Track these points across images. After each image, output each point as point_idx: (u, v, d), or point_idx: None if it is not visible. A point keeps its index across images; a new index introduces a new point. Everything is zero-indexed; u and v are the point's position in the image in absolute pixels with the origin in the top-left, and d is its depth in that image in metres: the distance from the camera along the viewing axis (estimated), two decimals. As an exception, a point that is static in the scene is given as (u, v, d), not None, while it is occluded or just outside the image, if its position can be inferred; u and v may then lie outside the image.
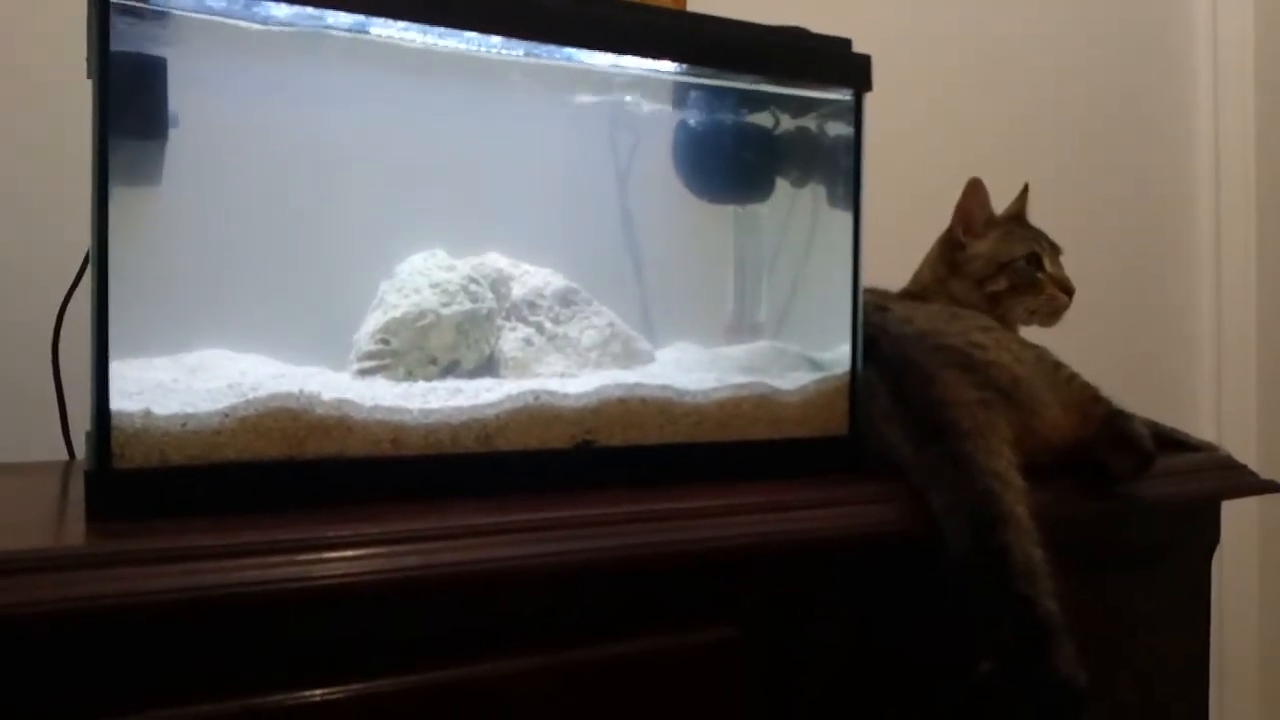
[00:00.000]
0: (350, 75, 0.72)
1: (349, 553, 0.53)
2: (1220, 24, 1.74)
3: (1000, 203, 1.04)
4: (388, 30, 0.68)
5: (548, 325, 0.77)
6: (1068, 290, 0.98)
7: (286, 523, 0.54)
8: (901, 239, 1.05)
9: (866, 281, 0.90)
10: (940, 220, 1.04)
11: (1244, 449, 1.68)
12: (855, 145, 0.79)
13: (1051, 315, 0.98)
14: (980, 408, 0.72)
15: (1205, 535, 0.90)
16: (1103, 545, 0.82)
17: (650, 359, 0.81)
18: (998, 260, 0.98)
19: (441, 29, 0.68)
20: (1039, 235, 1.01)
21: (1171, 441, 0.90)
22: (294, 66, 0.70)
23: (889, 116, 1.23)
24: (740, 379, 0.76)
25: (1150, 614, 0.86)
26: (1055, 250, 1.01)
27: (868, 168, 0.80)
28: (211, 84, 0.68)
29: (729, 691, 0.66)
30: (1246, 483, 0.89)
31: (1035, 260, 0.98)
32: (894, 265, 1.06)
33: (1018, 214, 1.04)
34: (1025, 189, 1.06)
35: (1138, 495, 0.79)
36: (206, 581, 0.50)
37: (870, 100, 0.79)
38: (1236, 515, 1.65)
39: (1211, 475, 0.87)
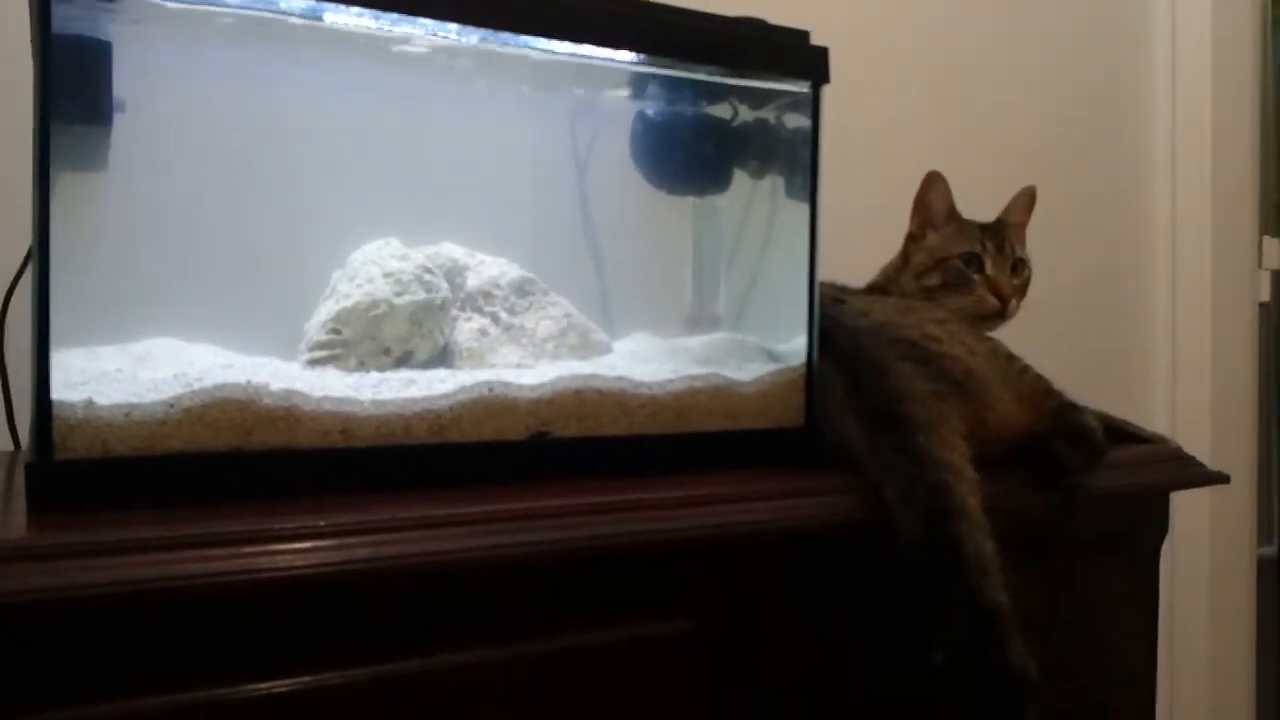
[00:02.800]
0: (304, 62, 0.71)
1: (295, 545, 0.52)
2: (1179, 23, 1.76)
3: (971, 198, 1.04)
4: (342, 16, 0.67)
5: (503, 316, 0.76)
6: (1001, 296, 0.97)
7: (232, 515, 0.54)
8: (869, 233, 1.06)
9: (826, 275, 0.91)
10: (906, 215, 1.05)
11: (1198, 441, 1.71)
12: (813, 138, 0.79)
13: (979, 318, 0.97)
14: (933, 400, 0.72)
15: (1155, 526, 0.92)
16: (1054, 536, 0.83)
17: (607, 350, 0.81)
18: (936, 255, 0.99)
19: (397, 16, 0.67)
20: (998, 238, 1.00)
21: (1122, 433, 0.91)
22: (246, 52, 0.69)
23: (852, 109, 1.24)
24: (697, 370, 0.76)
25: (1100, 604, 0.87)
26: (1005, 256, 1.00)
27: (831, 161, 0.80)
28: (161, 69, 0.67)
29: (685, 683, 0.66)
30: (1195, 474, 0.91)
31: (974, 260, 0.98)
32: (862, 259, 1.07)
33: (1001, 216, 1.04)
34: (1022, 193, 1.05)
35: (1088, 486, 0.80)
36: (147, 574, 0.49)
37: (832, 93, 0.79)
38: (1190, 507, 1.69)
39: (1161, 467, 0.89)
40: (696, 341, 0.84)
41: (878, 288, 1.04)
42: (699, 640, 0.66)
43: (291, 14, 0.66)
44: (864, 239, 1.05)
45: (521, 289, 0.78)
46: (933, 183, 1.02)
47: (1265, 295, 1.87)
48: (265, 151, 0.73)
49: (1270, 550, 1.90)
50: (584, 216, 0.83)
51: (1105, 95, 1.72)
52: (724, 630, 0.68)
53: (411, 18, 0.67)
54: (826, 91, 0.79)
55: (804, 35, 0.78)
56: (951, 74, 1.52)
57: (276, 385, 0.60)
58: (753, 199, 0.86)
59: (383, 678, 0.56)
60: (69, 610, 0.48)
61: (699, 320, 0.87)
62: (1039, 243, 1.12)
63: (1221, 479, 0.90)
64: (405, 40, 0.69)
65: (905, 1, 1.48)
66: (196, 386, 0.59)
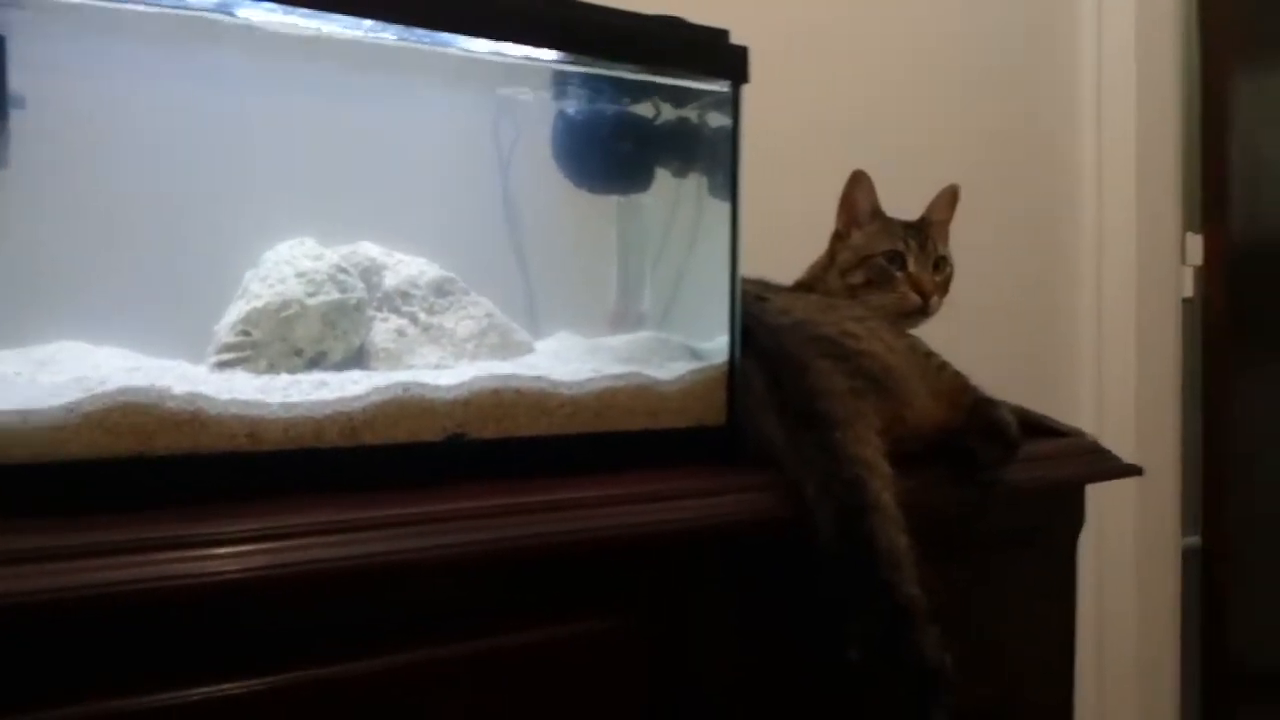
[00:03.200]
0: (218, 57, 0.69)
1: (193, 552, 0.51)
2: (1104, 21, 1.80)
3: (897, 197, 1.05)
4: (255, 13, 0.66)
5: (422, 316, 0.75)
6: (923, 292, 0.99)
7: (130, 522, 0.52)
8: (798, 231, 1.07)
9: (756, 273, 0.91)
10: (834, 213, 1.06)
11: (1123, 435, 1.75)
12: (733, 137, 0.79)
13: (901, 315, 0.98)
14: (851, 396, 0.73)
15: (1071, 519, 0.94)
16: (970, 530, 0.84)
17: (529, 350, 0.80)
18: (860, 253, 1.00)
19: (311, 11, 0.66)
20: (921, 235, 1.02)
21: (1039, 427, 0.92)
22: (157, 47, 0.67)
23: (779, 109, 1.24)
24: (618, 369, 0.76)
25: (1017, 596, 0.89)
26: (928, 254, 1.01)
27: (758, 160, 0.80)
28: (63, 64, 0.66)
29: (609, 682, 0.66)
30: (1110, 467, 0.92)
31: (897, 258, 0.99)
32: (791, 257, 1.07)
33: (924, 215, 1.05)
34: (945, 191, 1.07)
35: (1004, 480, 0.82)
36: (38, 585, 0.48)
37: (757, 92, 0.79)
38: (1116, 500, 1.72)
39: (1076, 460, 0.90)
40: (620, 340, 0.84)
41: (805, 285, 1.05)
42: (621, 639, 0.66)
43: (201, 9, 0.65)
44: (793, 237, 1.06)
45: (441, 289, 0.77)
46: (857, 182, 1.03)
47: (1189, 290, 1.92)
48: (176, 149, 0.71)
49: (1194, 540, 1.95)
50: (506, 216, 0.82)
51: (1031, 94, 1.75)
52: (647, 628, 0.68)
53: (327, 14, 0.66)
54: (753, 91, 0.79)
55: (723, 34, 0.78)
56: (877, 73, 1.53)
57: (181, 388, 0.59)
58: (676, 198, 0.86)
59: (292, 685, 0.55)
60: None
61: (623, 319, 0.87)
62: (966, 240, 1.13)
63: (1135, 471, 0.92)
64: (321, 37, 0.68)
65: (835, 3, 1.49)
66: (97, 390, 0.57)
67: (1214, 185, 1.97)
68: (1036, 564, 0.90)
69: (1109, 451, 0.93)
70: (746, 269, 0.82)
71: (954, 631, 0.66)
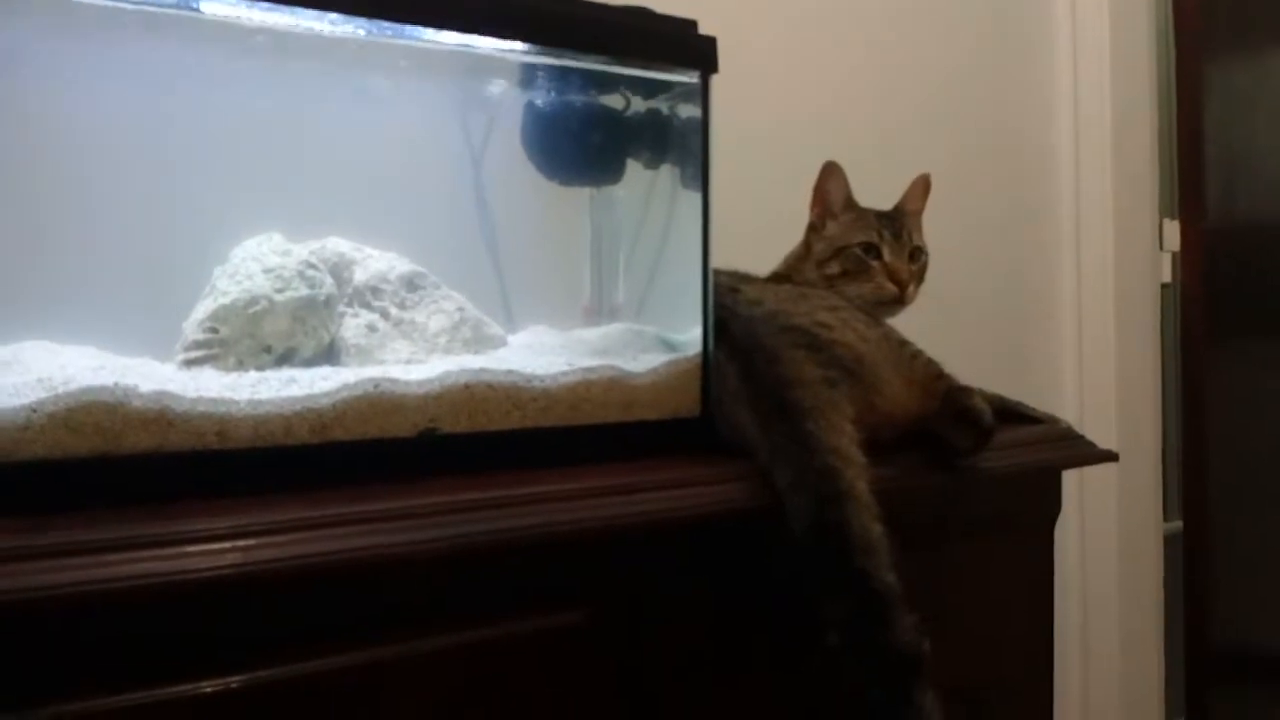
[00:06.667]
0: (184, 53, 0.69)
1: (161, 551, 0.51)
2: (1079, 11, 1.80)
3: (871, 188, 1.06)
4: (220, 7, 0.65)
5: (393, 311, 0.75)
6: (899, 282, 0.99)
7: (98, 521, 0.52)
8: (772, 221, 1.07)
9: (732, 264, 0.91)
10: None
11: (1103, 421, 1.76)
12: (703, 127, 0.79)
13: (879, 304, 0.98)
14: (824, 386, 0.73)
15: (1047, 505, 0.94)
16: (946, 517, 0.84)
17: (502, 343, 0.80)
18: (836, 245, 1.00)
19: (276, 5, 0.65)
20: (895, 225, 1.02)
21: (1014, 414, 0.93)
22: (121, 43, 0.67)
23: (751, 99, 1.24)
24: (591, 362, 0.75)
25: (994, 583, 0.89)
26: (903, 244, 1.02)
27: (732, 151, 0.80)
28: (24, 58, 0.65)
29: (582, 675, 0.66)
30: (1085, 453, 0.93)
31: (872, 249, 0.99)
32: (766, 247, 1.07)
33: (898, 205, 1.06)
34: (917, 181, 1.07)
35: (979, 468, 0.82)
36: (4, 586, 0.47)
37: (729, 83, 0.79)
38: (1098, 485, 1.73)
39: (1051, 447, 0.91)
40: (594, 333, 0.84)
41: (781, 276, 1.05)
42: (597, 631, 0.66)
43: (167, 5, 0.64)
44: (768, 228, 1.06)
45: (412, 283, 0.77)
46: (830, 173, 1.03)
47: (1166, 276, 1.93)
48: (142, 146, 0.71)
49: (1175, 526, 1.96)
50: (478, 209, 0.82)
51: (1006, 82, 1.76)
52: (623, 620, 0.68)
53: (292, 8, 0.66)
54: (723, 82, 0.79)
55: (691, 24, 0.78)
56: (849, 63, 1.53)
57: (147, 387, 0.58)
58: (649, 190, 0.86)
59: (265, 683, 0.55)
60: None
61: (597, 311, 0.87)
62: (945, 229, 1.14)
63: (1110, 457, 0.92)
64: (287, 31, 0.68)
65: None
66: (61, 390, 0.57)
67: (1189, 172, 1.98)
68: (1013, 550, 0.90)
69: (1084, 438, 0.94)
70: (722, 261, 0.82)
71: (931, 619, 0.66)
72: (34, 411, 0.56)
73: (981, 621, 0.87)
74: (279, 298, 0.68)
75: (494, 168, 0.81)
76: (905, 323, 0.96)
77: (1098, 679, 1.78)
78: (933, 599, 0.66)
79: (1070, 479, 0.95)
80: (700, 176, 0.79)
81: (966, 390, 0.82)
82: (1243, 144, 2.06)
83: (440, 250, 0.81)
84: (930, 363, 0.84)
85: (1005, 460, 0.84)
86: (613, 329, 0.83)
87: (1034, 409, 0.96)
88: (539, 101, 0.81)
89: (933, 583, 0.68)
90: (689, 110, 0.80)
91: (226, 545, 0.53)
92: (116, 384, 0.58)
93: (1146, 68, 1.85)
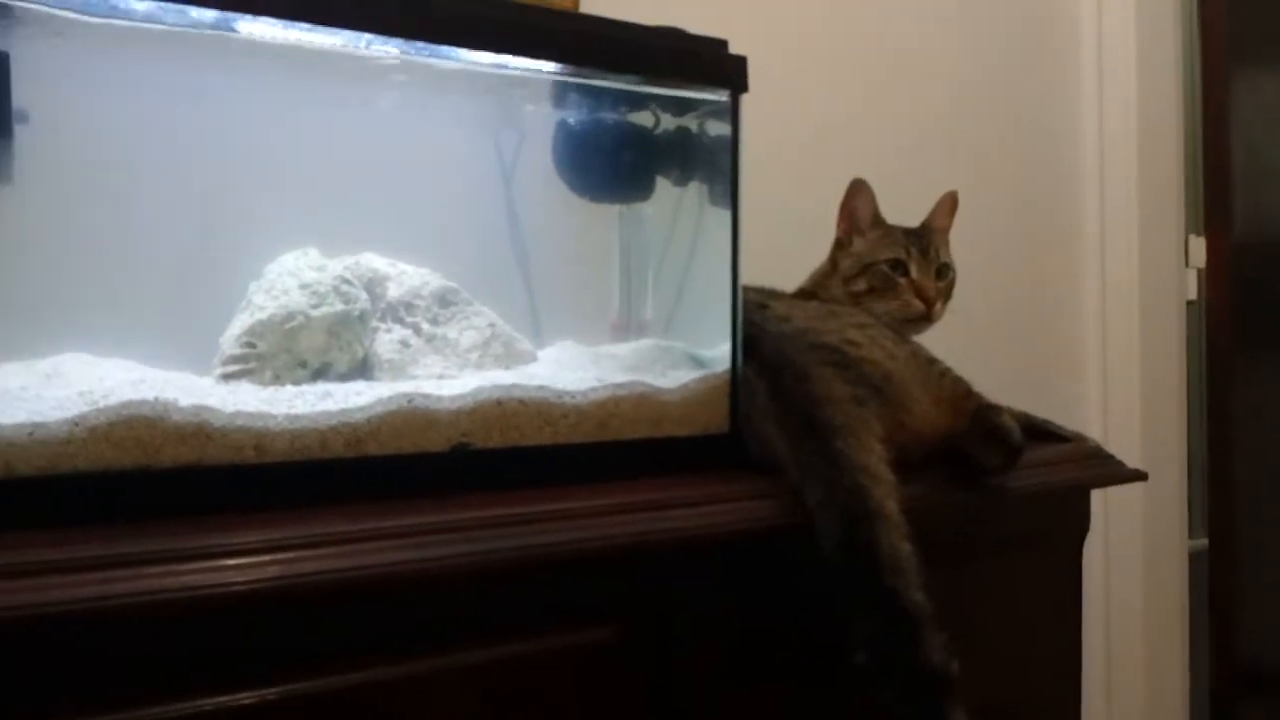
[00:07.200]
0: (221, 72, 0.70)
1: (202, 564, 0.52)
2: (1105, 27, 1.80)
3: (898, 204, 1.06)
4: (257, 27, 0.66)
5: (425, 326, 0.76)
6: (926, 299, 0.99)
7: (137, 535, 0.53)
8: (799, 239, 1.07)
9: (759, 281, 0.92)
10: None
11: (1128, 438, 1.75)
12: (733, 146, 0.79)
13: (905, 321, 0.99)
14: (852, 404, 0.73)
15: (1075, 523, 0.94)
16: (975, 536, 0.84)
17: (532, 359, 0.81)
18: (863, 261, 1.00)
19: (312, 26, 0.66)
20: (922, 243, 1.02)
21: (1043, 433, 0.93)
22: (158, 62, 0.68)
23: (779, 117, 1.25)
24: (620, 378, 0.76)
25: (1023, 601, 0.89)
26: (930, 261, 1.02)
27: (760, 168, 0.81)
28: (67, 79, 0.66)
29: (610, 691, 0.66)
30: (1114, 472, 0.93)
31: (900, 266, 0.99)
32: (794, 264, 1.08)
33: (925, 222, 1.06)
34: (945, 198, 1.07)
35: (1008, 486, 0.82)
36: (47, 598, 0.48)
37: (757, 101, 0.80)
38: (1123, 503, 1.72)
39: (1079, 465, 0.90)
40: (623, 349, 0.84)
41: (807, 293, 1.05)
42: (626, 647, 0.66)
43: (203, 25, 0.65)
44: (793, 244, 1.06)
45: (444, 299, 0.78)
46: (858, 190, 1.03)
47: (1192, 293, 1.92)
48: (179, 162, 0.72)
49: (1200, 543, 1.94)
50: (509, 226, 0.83)
51: (1033, 99, 1.75)
52: (652, 636, 0.68)
53: (330, 28, 0.67)
54: (751, 99, 0.80)
55: (722, 44, 0.79)
56: (876, 82, 1.53)
57: (186, 401, 0.59)
58: (677, 206, 0.87)
59: (300, 695, 0.55)
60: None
61: (626, 327, 0.87)
62: (971, 246, 1.13)
63: (1139, 476, 0.92)
64: (323, 50, 0.69)
65: (832, 10, 1.50)
66: (102, 404, 0.58)
67: (1216, 187, 1.97)
68: (1042, 569, 0.90)
69: (1113, 457, 0.93)
70: (747, 276, 0.82)
71: (960, 637, 0.66)
72: (76, 425, 0.57)
73: (1010, 640, 0.86)
74: (315, 313, 0.69)
75: (525, 185, 0.82)
76: (929, 339, 0.97)
77: (1122, 696, 1.77)
78: (961, 617, 0.66)
79: (1095, 496, 0.95)
80: (729, 194, 0.79)
81: (995, 408, 0.82)
82: (1270, 158, 2.05)
83: (471, 266, 0.82)
84: (958, 380, 0.84)
85: (1034, 479, 0.84)
86: (641, 345, 0.84)
87: (1062, 427, 0.95)
88: (570, 120, 0.81)
89: (961, 601, 0.68)
90: (718, 128, 0.81)
91: (265, 558, 0.54)
92: (156, 398, 0.59)
93: (1173, 81, 1.84)
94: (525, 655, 0.64)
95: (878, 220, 1.04)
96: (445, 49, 0.71)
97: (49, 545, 0.51)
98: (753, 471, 0.75)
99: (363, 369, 0.73)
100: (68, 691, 0.50)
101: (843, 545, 0.67)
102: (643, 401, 0.75)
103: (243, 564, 0.52)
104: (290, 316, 0.68)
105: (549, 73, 0.77)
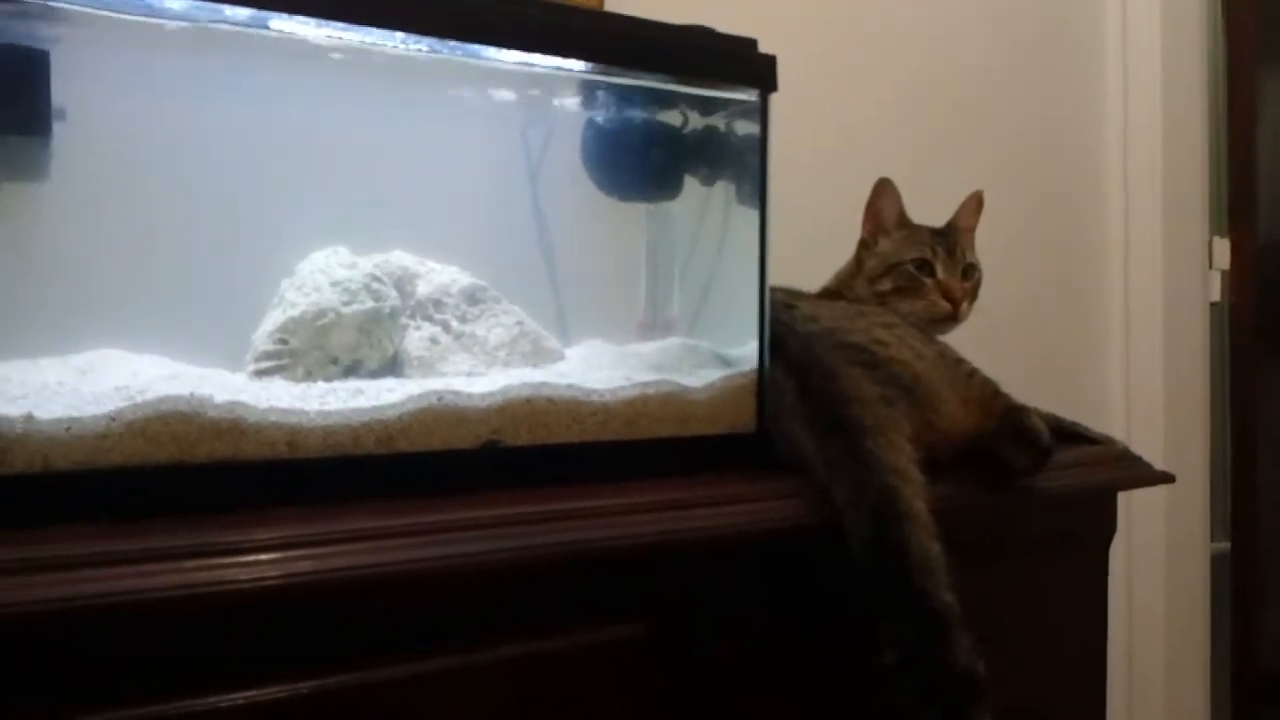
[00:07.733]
0: (255, 71, 0.70)
1: (238, 559, 0.52)
2: (1129, 27, 1.79)
3: (923, 204, 1.06)
4: (289, 25, 0.66)
5: (454, 324, 0.76)
6: (952, 299, 0.99)
7: (173, 529, 0.53)
8: (825, 238, 1.07)
9: (784, 280, 0.91)
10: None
11: (1151, 440, 1.74)
12: (761, 145, 0.79)
13: (931, 321, 0.98)
14: (881, 404, 0.73)
15: (1103, 525, 0.93)
16: (1003, 536, 0.84)
17: (560, 357, 0.81)
18: (889, 261, 1.00)
19: (344, 25, 0.66)
20: (948, 243, 1.02)
21: (1070, 434, 0.92)
22: (194, 61, 0.68)
23: (806, 116, 1.25)
24: (648, 377, 0.76)
25: (1050, 603, 0.88)
26: (956, 261, 1.01)
27: (786, 167, 0.80)
28: (103, 78, 0.67)
29: (635, 689, 0.66)
30: (1142, 474, 0.92)
31: (925, 265, 0.99)
32: (819, 263, 1.08)
33: (951, 222, 1.05)
34: (970, 198, 1.07)
35: (1036, 487, 0.81)
36: (87, 591, 0.49)
37: (784, 100, 0.80)
38: (1145, 505, 1.71)
39: (1108, 467, 0.90)
40: (650, 347, 0.84)
41: (832, 292, 1.05)
42: (653, 645, 0.66)
43: (235, 23, 0.66)
44: (819, 244, 1.06)
45: (473, 297, 0.78)
46: (883, 190, 1.03)
47: (1216, 295, 1.91)
48: (213, 160, 0.72)
49: (1223, 546, 1.93)
50: (537, 224, 0.83)
51: (1057, 100, 1.75)
52: (678, 635, 0.68)
53: (360, 27, 0.67)
54: (780, 99, 0.79)
55: (751, 43, 0.79)
56: (901, 82, 1.53)
57: (221, 397, 0.60)
58: (705, 205, 0.87)
59: (332, 691, 0.56)
60: (6, 628, 0.47)
61: (652, 326, 0.87)
62: (995, 247, 1.13)
63: (1167, 479, 0.91)
64: (354, 48, 0.69)
65: (858, 10, 1.50)
66: (139, 399, 0.58)
67: (1240, 189, 1.95)
68: (1069, 571, 0.89)
69: (1140, 458, 0.93)
70: (771, 276, 0.82)
71: (987, 638, 0.66)
72: (113, 420, 0.57)
73: (1038, 641, 0.86)
74: (346, 310, 0.70)
75: (553, 183, 0.82)
76: (953, 339, 0.96)
77: (1143, 698, 1.76)
78: (989, 618, 0.66)
79: (1118, 498, 0.94)
80: (757, 193, 0.79)
81: (1024, 409, 0.81)
82: (1296, 160, 2.03)
83: (499, 264, 0.82)
84: (986, 381, 0.83)
85: (1062, 480, 0.83)
86: (668, 344, 0.84)
87: (1090, 429, 0.95)
88: (599, 118, 0.81)
89: (989, 602, 0.67)
90: (746, 127, 0.81)
91: (298, 553, 0.54)
92: (192, 394, 0.59)
93: (1198, 82, 1.82)
94: (550, 652, 0.64)
95: (904, 220, 1.04)
96: (475, 47, 0.71)
97: (87, 539, 0.51)
98: (779, 471, 0.75)
99: (393, 366, 0.74)
100: (100, 684, 0.50)
101: (871, 545, 0.67)
102: (670, 400, 0.76)
103: (276, 558, 0.53)
104: (322, 313, 0.69)
105: (578, 71, 0.77)
